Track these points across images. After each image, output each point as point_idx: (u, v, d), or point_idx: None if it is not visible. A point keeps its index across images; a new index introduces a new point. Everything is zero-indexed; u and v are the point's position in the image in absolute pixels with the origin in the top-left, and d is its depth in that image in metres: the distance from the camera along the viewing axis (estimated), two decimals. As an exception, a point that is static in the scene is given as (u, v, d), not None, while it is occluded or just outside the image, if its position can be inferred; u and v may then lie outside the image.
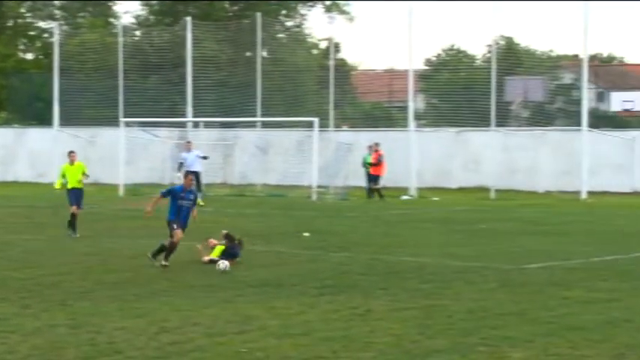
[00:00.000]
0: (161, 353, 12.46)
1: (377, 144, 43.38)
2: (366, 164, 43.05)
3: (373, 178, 42.41)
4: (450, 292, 17.06)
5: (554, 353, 12.43)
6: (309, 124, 43.89)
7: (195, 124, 49.23)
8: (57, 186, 27.30)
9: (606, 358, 12.26)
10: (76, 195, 26.41)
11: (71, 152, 27.36)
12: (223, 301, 16.10)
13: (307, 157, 44.79)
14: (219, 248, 21.08)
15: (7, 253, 22.35)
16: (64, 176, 26.66)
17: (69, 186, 26.54)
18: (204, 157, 39.68)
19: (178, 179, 40.99)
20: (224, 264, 19.51)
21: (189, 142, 40.79)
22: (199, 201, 38.36)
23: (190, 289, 17.45)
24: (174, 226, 20.37)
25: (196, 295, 16.77)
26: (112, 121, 50.24)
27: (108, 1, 74.53)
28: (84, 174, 26.57)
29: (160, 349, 12.68)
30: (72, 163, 26.82)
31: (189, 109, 48.88)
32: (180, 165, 39.42)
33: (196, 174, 38.60)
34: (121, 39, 52.46)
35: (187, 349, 12.69)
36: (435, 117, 57.19)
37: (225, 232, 21.70)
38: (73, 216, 26.27)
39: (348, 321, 14.48)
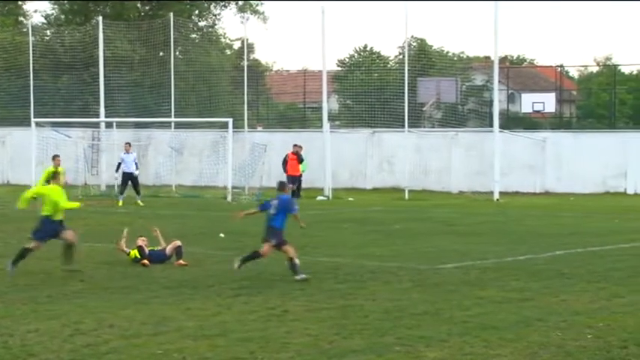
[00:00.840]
0: (76, 356, 12.32)
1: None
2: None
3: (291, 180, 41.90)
4: (366, 292, 17.14)
5: (469, 352, 12.56)
6: (224, 125, 43.77)
7: (108, 125, 48.76)
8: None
9: (520, 356, 12.42)
10: None
11: (56, 156, 26.78)
12: (138, 303, 15.98)
13: (222, 158, 44.68)
14: (134, 252, 20.99)
15: None
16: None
17: None
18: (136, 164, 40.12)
19: (116, 179, 41.05)
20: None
21: (128, 144, 41.02)
22: (138, 201, 38.56)
23: (105, 291, 17.29)
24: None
25: (111, 297, 16.62)
26: (23, 122, 49.59)
27: (17, 0, 73.47)
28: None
29: (75, 351, 12.54)
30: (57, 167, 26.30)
31: (102, 110, 48.41)
32: (119, 165, 39.93)
33: (132, 176, 39.14)
34: (31, 38, 51.74)
35: (102, 351, 12.57)
36: (349, 118, 57.48)
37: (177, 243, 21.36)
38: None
39: (265, 322, 14.47)
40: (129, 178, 39.36)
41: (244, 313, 15.17)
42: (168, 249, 21.11)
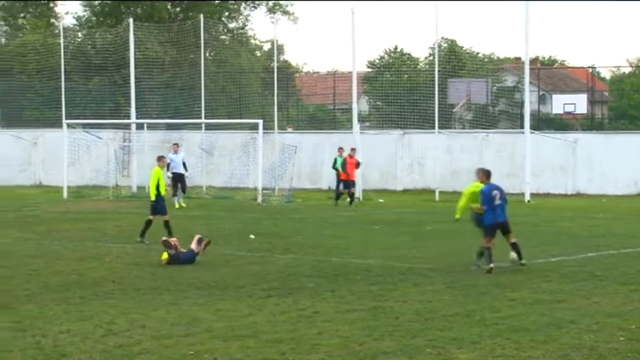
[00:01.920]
0: (108, 356, 12.38)
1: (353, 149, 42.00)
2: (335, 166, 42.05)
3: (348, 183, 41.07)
4: (397, 294, 17.11)
5: (500, 354, 12.52)
6: (254, 126, 43.82)
7: (139, 126, 48.94)
8: (162, 192, 25.60)
9: (551, 359, 12.38)
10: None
11: (162, 157, 26.58)
12: (169, 304, 16.03)
13: (252, 159, 44.72)
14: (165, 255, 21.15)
15: (-51, 256, 22.07)
16: (158, 181, 25.39)
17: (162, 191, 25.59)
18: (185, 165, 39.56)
19: (168, 178, 40.74)
20: None
21: (176, 145, 40.44)
22: (181, 202, 38.08)
23: (136, 292, 17.35)
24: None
25: (142, 298, 16.68)
26: (55, 123, 49.83)
27: (49, 1, 73.89)
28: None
29: (107, 352, 12.60)
30: (162, 167, 26.10)
31: (133, 111, 48.58)
32: (168, 166, 39.11)
33: (181, 176, 38.65)
34: (62, 40, 52.02)
35: (134, 352, 12.62)
36: (379, 119, 57.46)
37: (198, 236, 21.67)
38: (149, 223, 25.27)
39: (295, 323, 14.48)
40: (178, 179, 38.94)
41: (275, 314, 15.19)
42: (194, 245, 21.28)
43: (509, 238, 20.61)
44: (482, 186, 20.81)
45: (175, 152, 39.37)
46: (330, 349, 12.76)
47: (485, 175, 21.10)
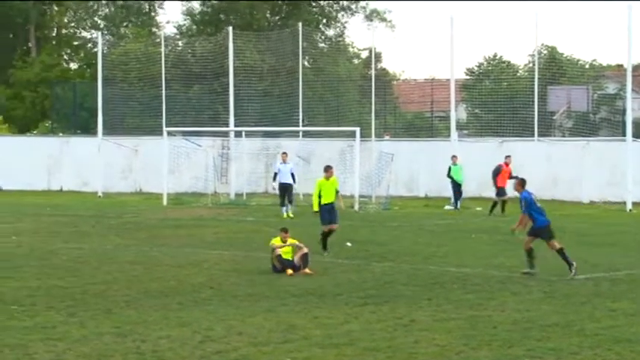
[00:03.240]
0: (206, 362, 12.50)
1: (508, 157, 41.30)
2: (450, 175, 41.86)
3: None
4: (495, 303, 16.98)
5: (600, 365, 12.35)
6: (351, 134, 43.85)
7: (238, 134, 49.34)
8: (315, 208, 25.24)
9: (654, 370, 12.17)
10: (329, 211, 24.98)
11: (329, 167, 26.09)
12: (267, 311, 16.12)
13: (349, 167, 44.73)
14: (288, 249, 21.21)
15: (52, 262, 22.51)
16: (320, 192, 25.02)
17: (323, 201, 24.91)
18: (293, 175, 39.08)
19: (274, 189, 40.62)
20: None
21: (285, 154, 40.02)
22: (289, 212, 37.64)
23: (233, 299, 17.49)
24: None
25: (240, 305, 16.81)
26: (155, 131, 50.49)
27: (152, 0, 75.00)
28: (337, 190, 25.37)
29: (205, 358, 12.72)
30: (328, 178, 25.41)
31: (232, 119, 48.98)
32: (275, 175, 38.91)
33: (289, 186, 38.08)
34: (163, 49, 52.73)
35: (231, 358, 12.73)
36: (477, 127, 57.00)
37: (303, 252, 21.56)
38: (327, 234, 24.88)
39: (392, 331, 14.45)
40: (285, 189, 38.08)
41: (371, 322, 15.18)
42: (297, 259, 21.16)
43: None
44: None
45: (284, 162, 39.00)
46: (427, 358, 12.71)
47: (520, 184, 21.36)
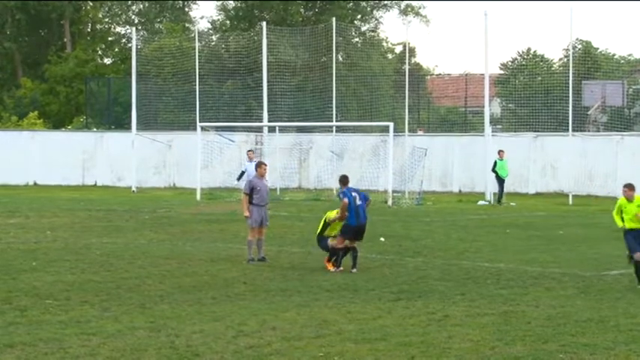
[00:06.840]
0: (239, 357, 12.53)
1: None
2: (495, 169, 42.03)
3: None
4: (528, 298, 16.91)
5: (635, 361, 12.27)
6: (385, 129, 43.79)
7: (271, 129, 49.40)
8: (619, 224, 19.04)
9: (689, 367, 12.07)
10: (636, 237, 18.84)
11: (630, 185, 19.38)
12: (300, 305, 16.13)
13: (382, 162, 44.68)
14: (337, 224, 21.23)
15: (86, 257, 22.62)
16: (620, 212, 19.12)
17: (627, 226, 18.95)
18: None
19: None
20: None
21: (251, 151, 40.45)
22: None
23: (266, 293, 17.52)
24: None
25: (273, 299, 16.83)
26: (188, 126, 50.65)
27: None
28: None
29: (239, 352, 12.75)
30: (630, 199, 19.08)
31: (265, 114, 49.03)
32: (241, 174, 38.53)
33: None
34: (197, 44, 52.88)
35: (265, 352, 12.75)
36: (511, 122, 56.78)
37: None
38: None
39: (425, 326, 14.42)
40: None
41: (405, 317, 15.16)
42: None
43: None
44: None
45: (250, 160, 38.05)
46: (461, 353, 12.68)
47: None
